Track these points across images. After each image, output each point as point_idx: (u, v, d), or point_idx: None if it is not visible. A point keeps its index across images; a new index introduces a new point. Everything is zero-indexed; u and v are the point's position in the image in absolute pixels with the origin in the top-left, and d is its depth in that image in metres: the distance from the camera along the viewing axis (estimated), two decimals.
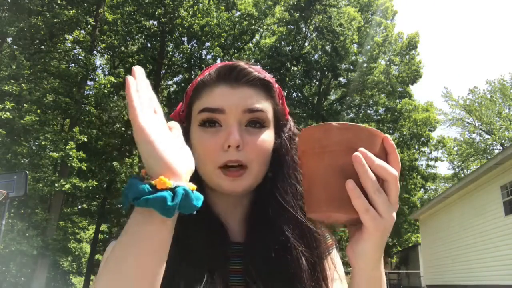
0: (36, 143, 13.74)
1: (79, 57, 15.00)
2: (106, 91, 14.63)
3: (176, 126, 0.56)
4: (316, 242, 0.72)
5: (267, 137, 0.69)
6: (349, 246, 0.56)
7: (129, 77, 0.50)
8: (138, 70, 0.53)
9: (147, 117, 0.48)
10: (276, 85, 0.75)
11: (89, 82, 15.32)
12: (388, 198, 0.52)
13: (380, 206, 0.50)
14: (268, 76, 0.72)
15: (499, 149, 26.19)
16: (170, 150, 0.48)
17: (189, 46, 18.99)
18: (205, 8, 17.06)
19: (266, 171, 0.70)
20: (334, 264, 0.75)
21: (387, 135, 0.53)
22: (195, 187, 0.49)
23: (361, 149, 0.51)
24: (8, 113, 11.87)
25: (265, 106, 0.69)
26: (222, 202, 0.72)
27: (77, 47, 15.52)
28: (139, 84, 0.51)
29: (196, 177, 0.69)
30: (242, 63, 0.70)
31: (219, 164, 0.66)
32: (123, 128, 17.98)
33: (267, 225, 0.69)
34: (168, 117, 0.80)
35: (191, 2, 16.88)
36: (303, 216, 0.70)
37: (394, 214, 0.52)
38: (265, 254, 0.67)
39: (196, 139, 0.68)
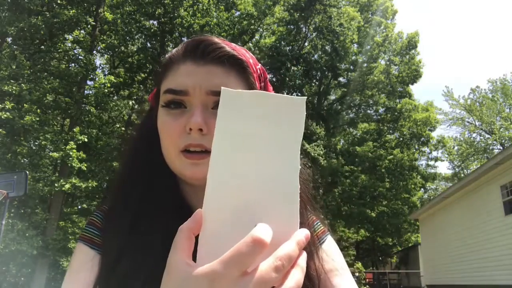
0: (36, 143, 13.72)
1: (79, 57, 14.97)
2: (106, 90, 14.61)
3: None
4: None
5: None
6: None
7: None
8: None
9: None
10: (258, 66, 0.69)
11: (89, 82, 15.31)
12: None
13: None
14: (244, 54, 0.66)
15: (499, 149, 26.18)
16: None
17: None
18: (204, 8, 17.04)
19: None
20: (327, 254, 0.69)
21: None
22: None
23: None
24: (8, 113, 11.85)
25: (234, 88, 0.63)
26: (195, 193, 0.67)
27: (77, 47, 15.48)
28: None
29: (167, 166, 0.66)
30: (212, 38, 0.63)
31: (180, 148, 0.61)
32: (123, 128, 17.95)
33: None
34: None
35: (191, 2, 16.86)
36: None
37: None
38: None
39: (160, 122, 0.64)
